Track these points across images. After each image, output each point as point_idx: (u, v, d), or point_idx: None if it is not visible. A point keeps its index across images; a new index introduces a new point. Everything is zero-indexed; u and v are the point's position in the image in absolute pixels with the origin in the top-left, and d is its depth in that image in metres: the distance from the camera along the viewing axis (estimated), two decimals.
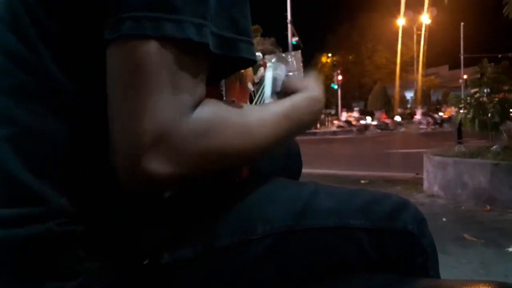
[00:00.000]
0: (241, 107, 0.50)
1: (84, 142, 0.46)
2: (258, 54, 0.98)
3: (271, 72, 0.89)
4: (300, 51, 1.04)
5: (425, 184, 3.90)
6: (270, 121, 0.52)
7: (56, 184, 0.45)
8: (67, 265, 0.45)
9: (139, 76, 0.40)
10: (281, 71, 0.81)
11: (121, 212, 0.48)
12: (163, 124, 0.40)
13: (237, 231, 0.52)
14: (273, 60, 1.01)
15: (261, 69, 0.95)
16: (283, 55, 1.03)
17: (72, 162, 0.46)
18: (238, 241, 0.51)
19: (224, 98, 0.59)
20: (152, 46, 0.40)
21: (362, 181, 4.61)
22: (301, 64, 1.05)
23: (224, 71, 0.52)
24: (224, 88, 0.59)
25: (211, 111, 0.45)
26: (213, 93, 0.58)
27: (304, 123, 0.59)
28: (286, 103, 0.58)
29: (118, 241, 0.48)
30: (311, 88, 0.64)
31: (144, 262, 0.48)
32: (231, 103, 0.50)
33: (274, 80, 0.80)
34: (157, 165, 0.41)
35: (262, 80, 0.90)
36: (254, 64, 0.50)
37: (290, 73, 1.03)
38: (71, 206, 0.45)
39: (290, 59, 1.03)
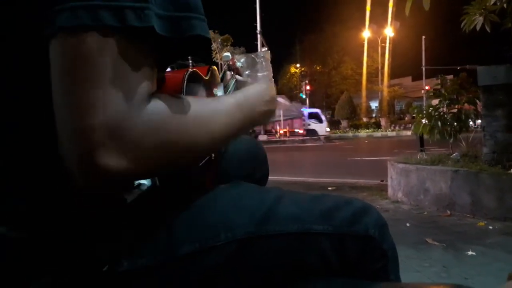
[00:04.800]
0: (195, 99, 0.49)
1: (32, 145, 0.44)
2: (227, 54, 0.98)
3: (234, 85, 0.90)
4: (268, 51, 1.05)
5: (389, 191, 4.00)
6: (224, 111, 0.52)
7: (6, 187, 0.43)
8: (20, 272, 0.43)
9: (82, 69, 0.38)
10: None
11: (78, 217, 0.47)
12: (114, 118, 0.39)
13: (199, 238, 0.51)
14: (242, 60, 1.01)
15: (228, 73, 0.94)
16: (252, 55, 1.03)
17: (22, 165, 0.44)
18: (199, 248, 0.50)
19: None
20: (93, 37, 0.38)
21: (330, 188, 4.69)
22: (270, 64, 1.05)
23: (180, 53, 0.50)
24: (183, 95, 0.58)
25: (164, 103, 0.44)
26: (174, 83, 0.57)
27: (257, 112, 0.60)
28: (238, 94, 0.59)
29: (75, 247, 0.46)
30: (261, 83, 0.66)
31: (103, 270, 0.47)
32: (184, 96, 0.49)
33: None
34: (111, 161, 0.39)
35: (229, 84, 0.90)
36: (209, 44, 0.47)
37: (260, 74, 1.03)
38: (24, 210, 0.43)
39: (259, 60, 1.03)
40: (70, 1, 0.38)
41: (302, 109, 25.66)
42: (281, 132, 23.68)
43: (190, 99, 0.48)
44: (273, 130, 24.21)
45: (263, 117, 0.62)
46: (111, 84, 0.39)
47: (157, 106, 0.43)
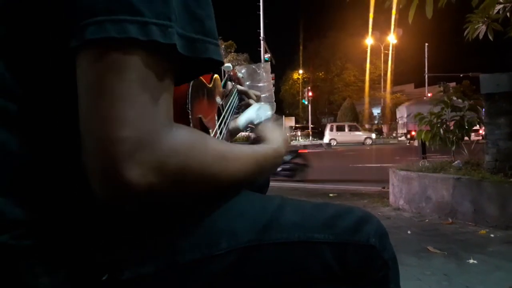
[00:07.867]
0: (217, 139, 0.51)
1: (40, 153, 0.45)
2: (228, 65, 0.99)
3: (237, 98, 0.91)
4: (269, 63, 1.09)
5: (391, 198, 3.99)
6: (243, 159, 0.53)
7: (11, 195, 0.43)
8: (22, 281, 0.43)
9: (110, 81, 0.39)
10: (264, 112, 0.82)
11: (79, 225, 0.47)
12: (143, 132, 0.39)
13: (200, 246, 0.51)
14: (243, 71, 1.03)
15: (229, 83, 0.96)
16: (253, 66, 1.05)
17: (27, 172, 0.45)
18: (201, 256, 0.50)
19: (190, 113, 0.59)
20: (119, 50, 0.39)
21: (331, 195, 4.68)
22: (270, 76, 1.08)
23: (190, 74, 0.52)
24: (189, 103, 0.59)
25: (191, 130, 0.46)
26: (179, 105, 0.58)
27: (265, 171, 0.62)
28: (259, 152, 0.60)
29: (76, 256, 0.47)
30: (276, 141, 0.67)
31: (103, 278, 0.47)
32: (207, 133, 0.51)
33: (257, 117, 0.81)
34: (136, 174, 0.39)
35: (231, 93, 0.91)
36: (221, 66, 0.50)
37: (260, 84, 1.05)
38: (27, 218, 0.44)
39: (259, 71, 1.06)
40: (97, 16, 0.39)
41: None
42: (412, 133, 22.23)
43: (216, 139, 0.50)
44: (406, 130, 23.12)
45: (267, 173, 0.65)
46: (140, 98, 0.39)
47: (186, 130, 0.44)
